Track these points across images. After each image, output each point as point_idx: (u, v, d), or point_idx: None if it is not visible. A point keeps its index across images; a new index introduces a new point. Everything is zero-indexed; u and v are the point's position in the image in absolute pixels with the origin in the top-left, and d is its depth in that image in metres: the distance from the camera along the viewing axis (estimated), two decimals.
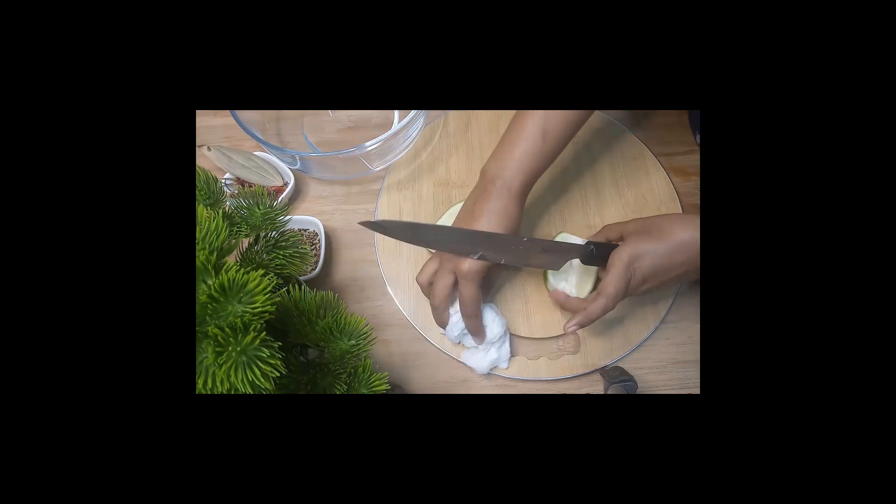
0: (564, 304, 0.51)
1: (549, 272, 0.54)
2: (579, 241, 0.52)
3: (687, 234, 0.45)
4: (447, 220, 0.56)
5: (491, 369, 0.52)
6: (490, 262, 0.47)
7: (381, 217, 0.61)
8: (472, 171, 0.63)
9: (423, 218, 0.60)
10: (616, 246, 0.48)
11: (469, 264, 0.46)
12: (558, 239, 0.53)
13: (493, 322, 0.51)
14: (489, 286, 0.54)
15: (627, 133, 0.64)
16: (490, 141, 0.64)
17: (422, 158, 0.64)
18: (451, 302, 0.49)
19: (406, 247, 0.58)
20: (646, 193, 0.61)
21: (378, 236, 0.60)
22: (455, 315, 0.50)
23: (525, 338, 0.55)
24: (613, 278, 0.45)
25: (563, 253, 0.50)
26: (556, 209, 0.61)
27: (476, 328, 0.49)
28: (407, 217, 0.61)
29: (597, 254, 0.49)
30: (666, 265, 0.45)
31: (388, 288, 0.58)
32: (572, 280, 0.54)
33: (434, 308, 0.50)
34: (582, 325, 0.47)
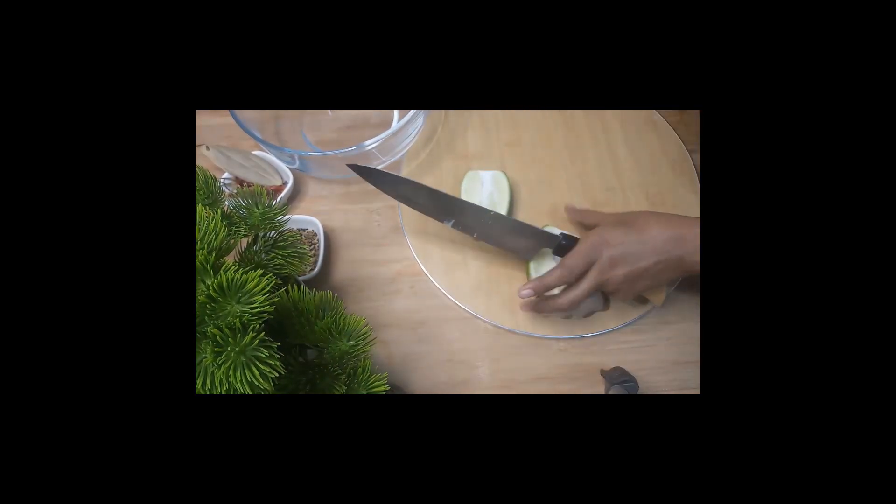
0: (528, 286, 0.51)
1: (532, 268, 0.54)
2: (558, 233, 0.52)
3: (658, 230, 0.46)
4: (467, 185, 0.59)
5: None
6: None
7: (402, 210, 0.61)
8: (489, 141, 0.65)
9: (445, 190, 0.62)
10: None
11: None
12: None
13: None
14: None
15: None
16: (505, 115, 0.67)
17: (433, 141, 0.65)
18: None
19: (432, 224, 0.58)
20: (658, 154, 0.64)
21: (404, 219, 0.61)
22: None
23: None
24: (574, 253, 0.48)
25: (533, 238, 0.51)
26: (574, 174, 0.63)
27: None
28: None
29: (566, 244, 0.50)
30: (636, 252, 0.46)
31: (422, 266, 0.58)
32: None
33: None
34: (535, 291, 0.49)
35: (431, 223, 0.55)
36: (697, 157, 0.63)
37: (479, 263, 0.58)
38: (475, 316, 0.56)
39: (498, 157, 0.64)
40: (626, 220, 0.48)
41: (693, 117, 0.67)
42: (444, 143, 0.65)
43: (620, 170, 0.63)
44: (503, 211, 0.58)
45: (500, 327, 0.55)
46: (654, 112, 0.67)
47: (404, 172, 0.63)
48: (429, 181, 0.62)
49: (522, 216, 0.60)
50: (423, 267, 0.58)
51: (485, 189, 0.59)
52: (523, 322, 0.55)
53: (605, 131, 0.65)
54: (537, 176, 0.63)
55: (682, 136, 0.65)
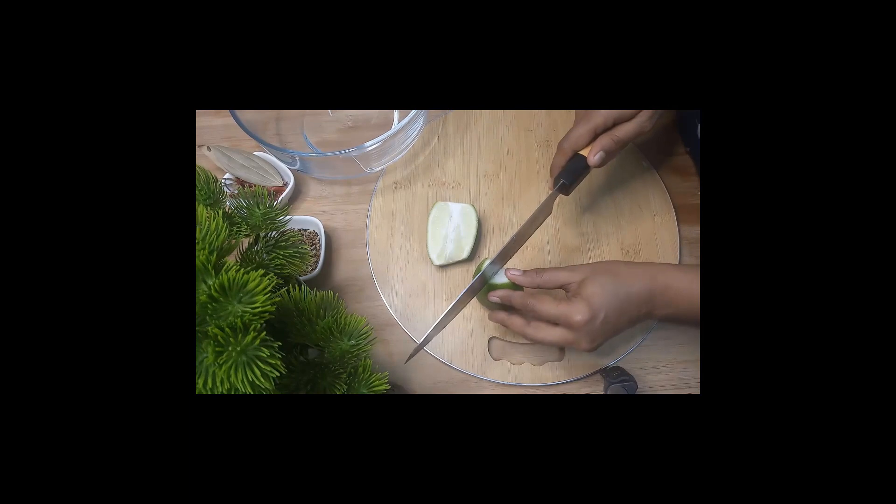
0: (506, 322, 0.48)
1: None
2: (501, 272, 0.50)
3: (639, 284, 0.44)
4: (435, 215, 0.58)
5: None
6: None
7: (374, 214, 0.61)
8: (469, 173, 0.63)
9: (415, 216, 0.61)
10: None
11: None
12: (484, 266, 0.50)
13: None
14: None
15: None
16: (488, 143, 0.65)
17: (419, 161, 0.64)
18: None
19: (397, 247, 0.60)
20: (641, 204, 0.61)
21: (370, 236, 0.60)
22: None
23: (509, 342, 0.55)
24: (557, 311, 0.44)
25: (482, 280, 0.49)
26: (551, 217, 0.60)
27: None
28: (399, 214, 0.61)
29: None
30: (613, 326, 0.44)
31: (378, 289, 0.58)
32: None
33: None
34: (502, 300, 0.47)
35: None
36: (681, 210, 0.61)
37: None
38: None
39: (474, 188, 0.62)
40: (601, 272, 0.45)
41: (684, 161, 0.64)
42: (422, 167, 0.64)
43: (599, 215, 0.60)
44: (468, 246, 0.57)
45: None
46: (644, 159, 0.63)
47: (380, 187, 0.63)
48: (400, 202, 0.62)
49: (488, 252, 0.59)
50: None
51: (452, 221, 0.57)
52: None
53: (589, 173, 0.62)
54: (511, 213, 0.61)
55: (668, 185, 0.62)
